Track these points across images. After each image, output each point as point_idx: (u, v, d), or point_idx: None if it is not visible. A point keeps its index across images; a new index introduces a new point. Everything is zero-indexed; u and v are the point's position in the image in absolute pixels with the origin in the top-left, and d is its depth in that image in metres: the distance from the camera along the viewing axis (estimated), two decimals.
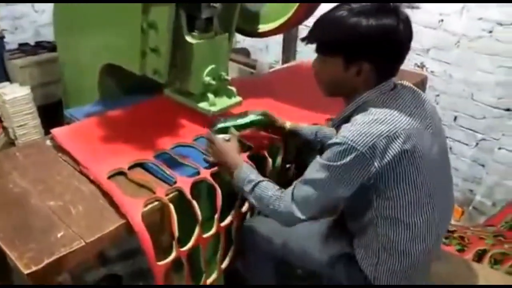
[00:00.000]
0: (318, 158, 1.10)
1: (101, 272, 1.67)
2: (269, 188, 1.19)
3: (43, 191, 1.22)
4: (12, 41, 2.71)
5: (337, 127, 1.17)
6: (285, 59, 2.93)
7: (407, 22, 1.04)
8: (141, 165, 1.33)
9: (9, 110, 2.29)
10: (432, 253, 1.20)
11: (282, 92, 1.93)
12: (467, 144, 2.48)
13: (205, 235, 1.29)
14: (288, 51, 2.94)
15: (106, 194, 1.20)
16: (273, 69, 2.55)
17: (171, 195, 1.22)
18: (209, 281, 1.42)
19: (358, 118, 1.05)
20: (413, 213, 1.09)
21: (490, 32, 2.18)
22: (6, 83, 2.44)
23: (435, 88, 2.48)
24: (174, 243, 1.20)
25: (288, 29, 1.93)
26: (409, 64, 2.53)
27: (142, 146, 1.39)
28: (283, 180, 1.42)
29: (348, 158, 1.01)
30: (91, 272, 1.62)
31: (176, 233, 1.18)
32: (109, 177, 1.25)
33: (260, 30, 1.81)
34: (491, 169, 2.41)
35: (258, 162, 1.42)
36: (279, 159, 1.50)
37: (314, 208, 1.13)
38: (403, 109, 1.06)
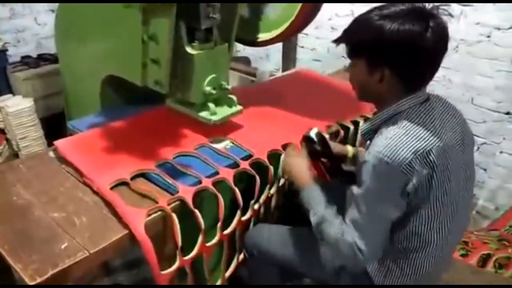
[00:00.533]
0: (354, 189, 1.05)
1: (105, 282, 1.67)
2: (331, 228, 1.10)
3: (47, 202, 1.23)
4: (14, 54, 2.74)
5: (366, 136, 1.15)
6: (285, 67, 2.94)
7: (438, 30, 0.96)
8: (143, 175, 1.34)
9: (12, 122, 2.31)
10: (443, 266, 1.20)
11: (281, 99, 1.94)
12: None
13: (208, 244, 1.29)
14: (288, 59, 2.96)
15: (109, 205, 1.21)
16: (271, 77, 2.56)
17: (173, 205, 1.23)
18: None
19: (391, 131, 1.01)
20: (433, 231, 1.07)
21: (488, 36, 2.19)
22: (9, 96, 2.47)
23: (434, 93, 2.49)
24: (177, 252, 1.20)
25: (287, 38, 1.95)
26: None
27: (144, 156, 1.41)
28: None
29: (386, 176, 0.98)
30: (95, 282, 1.63)
31: (179, 242, 1.19)
32: (112, 188, 1.26)
33: (259, 39, 1.83)
34: (493, 173, 2.41)
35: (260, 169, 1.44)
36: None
37: (375, 242, 1.05)
38: (436, 124, 1.02)
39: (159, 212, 1.20)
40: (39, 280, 0.97)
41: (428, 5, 0.99)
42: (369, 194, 1.02)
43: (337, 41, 1.09)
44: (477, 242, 2.00)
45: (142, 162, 1.38)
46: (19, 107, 2.32)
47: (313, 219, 1.16)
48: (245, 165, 1.41)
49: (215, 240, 1.32)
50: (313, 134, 1.35)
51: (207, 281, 1.40)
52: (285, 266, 1.39)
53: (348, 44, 1.07)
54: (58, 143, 1.47)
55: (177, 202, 1.25)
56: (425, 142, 0.98)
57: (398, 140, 0.97)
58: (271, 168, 1.46)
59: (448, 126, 1.05)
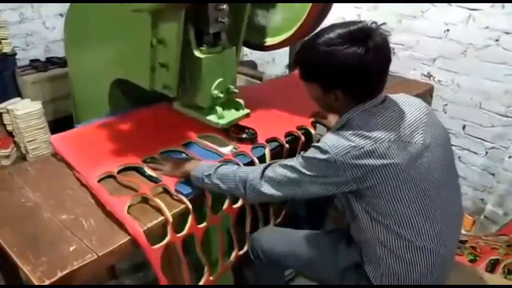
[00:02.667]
0: (302, 153, 1.15)
1: (112, 284, 1.67)
2: (234, 166, 1.27)
3: (55, 205, 1.24)
4: (23, 58, 2.76)
5: None
6: (292, 71, 2.94)
7: (377, 48, 1.04)
8: (130, 169, 1.39)
9: (21, 125, 2.32)
10: (444, 264, 1.18)
11: (281, 99, 1.95)
12: (476, 153, 2.46)
13: (199, 226, 1.30)
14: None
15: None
16: (270, 79, 2.57)
17: (156, 191, 1.29)
18: (212, 278, 1.44)
19: (342, 131, 1.10)
20: (406, 223, 1.09)
21: (497, 40, 2.18)
22: (18, 99, 2.48)
23: (442, 98, 2.48)
24: (169, 228, 1.20)
25: (294, 42, 1.95)
26: (416, 74, 2.54)
27: (132, 151, 1.45)
28: None
29: (323, 162, 1.07)
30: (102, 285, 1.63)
31: (170, 218, 1.19)
32: (100, 180, 1.31)
33: (267, 44, 1.83)
34: (501, 178, 2.39)
35: None
36: None
37: (282, 191, 1.16)
38: (384, 123, 1.08)
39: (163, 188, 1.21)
40: (47, 282, 0.97)
41: (367, 25, 1.07)
42: (303, 165, 1.11)
43: (294, 64, 1.20)
44: (485, 248, 1.98)
45: (130, 157, 1.43)
46: (28, 110, 2.33)
47: (210, 169, 1.25)
48: (229, 157, 1.44)
49: (205, 222, 1.32)
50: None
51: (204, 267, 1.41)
52: (289, 268, 1.41)
53: (300, 70, 1.16)
54: (54, 138, 1.52)
55: (161, 189, 1.29)
56: (368, 140, 1.05)
57: (342, 136, 1.07)
58: None
59: (400, 123, 1.10)
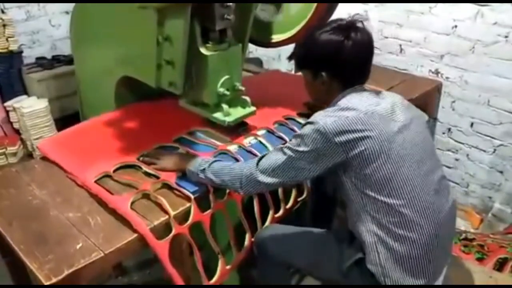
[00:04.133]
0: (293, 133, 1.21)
1: (119, 282, 1.68)
2: (229, 161, 1.33)
3: (62, 202, 1.24)
4: (29, 55, 2.77)
5: None
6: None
7: (357, 39, 1.16)
8: (127, 166, 1.39)
9: (27, 123, 2.33)
10: (440, 238, 1.17)
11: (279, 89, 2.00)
12: (484, 151, 2.44)
13: (205, 213, 1.31)
14: None
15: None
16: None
17: (157, 186, 1.29)
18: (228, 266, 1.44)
19: (328, 109, 1.20)
20: (392, 193, 1.13)
21: (506, 37, 2.15)
22: (24, 97, 2.49)
23: (450, 95, 2.45)
24: (171, 221, 1.21)
25: (300, 39, 1.94)
26: (424, 70, 2.51)
27: (126, 149, 1.46)
28: None
29: (314, 139, 1.12)
30: (109, 282, 1.63)
31: (172, 212, 1.21)
32: (97, 181, 1.30)
33: (273, 40, 1.82)
34: (510, 176, 2.37)
35: None
36: None
37: (279, 176, 1.19)
38: (367, 100, 1.18)
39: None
40: (54, 280, 0.98)
41: (351, 19, 1.21)
42: (294, 144, 1.17)
43: (289, 58, 1.34)
44: (493, 246, 1.96)
45: (125, 155, 1.43)
46: (34, 108, 2.34)
47: (205, 164, 1.28)
48: (223, 147, 1.46)
49: (211, 209, 1.33)
50: None
51: (218, 255, 1.41)
52: (294, 266, 1.41)
53: (294, 59, 1.32)
54: (41, 144, 1.52)
55: (161, 184, 1.30)
56: (352, 111, 1.14)
57: (330, 111, 1.17)
58: None
59: (380, 102, 1.20)
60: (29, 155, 2.45)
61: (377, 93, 1.25)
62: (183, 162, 1.35)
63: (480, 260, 1.89)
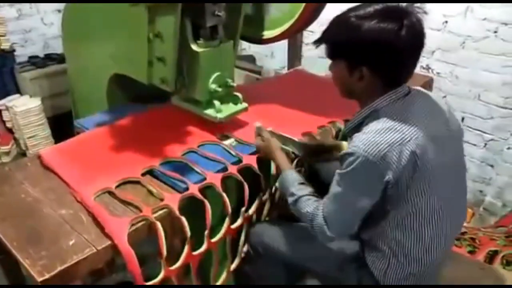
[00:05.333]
0: (337, 171, 1.09)
1: (113, 279, 1.68)
2: (307, 205, 1.17)
3: (54, 200, 1.24)
4: (22, 54, 2.76)
5: (349, 134, 1.17)
6: (291, 65, 2.94)
7: (413, 28, 0.99)
8: (128, 182, 1.32)
9: (20, 121, 2.33)
10: (442, 257, 1.20)
11: (282, 97, 1.94)
12: (475, 145, 2.46)
13: (195, 253, 1.28)
14: (294, 57, 2.95)
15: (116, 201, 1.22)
16: (267, 77, 2.56)
17: (159, 213, 1.21)
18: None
19: (370, 126, 1.05)
20: (426, 221, 1.09)
21: (495, 32, 2.18)
22: (17, 95, 2.49)
23: (441, 90, 2.48)
24: (162, 262, 1.18)
25: (292, 35, 1.95)
26: None
27: (130, 163, 1.38)
28: None
29: (362, 169, 1.01)
30: (103, 280, 1.63)
31: (165, 252, 1.17)
32: (97, 197, 1.23)
33: (265, 37, 1.83)
34: (500, 170, 2.40)
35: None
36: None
37: (343, 223, 1.12)
38: (415, 117, 1.04)
39: (165, 209, 1.21)
40: (47, 276, 0.98)
41: (403, 4, 1.02)
42: (345, 183, 1.07)
43: (317, 42, 1.12)
44: (484, 239, 1.99)
45: (129, 169, 1.35)
46: (27, 106, 2.34)
47: (290, 198, 1.22)
48: (233, 169, 1.38)
49: (203, 247, 1.30)
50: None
51: (211, 275, 1.41)
52: (289, 262, 1.40)
53: (327, 45, 1.11)
54: (43, 152, 1.44)
55: (164, 210, 1.22)
56: (402, 134, 1.00)
57: (375, 134, 1.01)
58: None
59: (430, 117, 1.07)
60: (23, 154, 2.45)
61: (424, 102, 1.11)
62: (279, 163, 1.33)
63: (471, 253, 1.92)
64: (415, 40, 1.02)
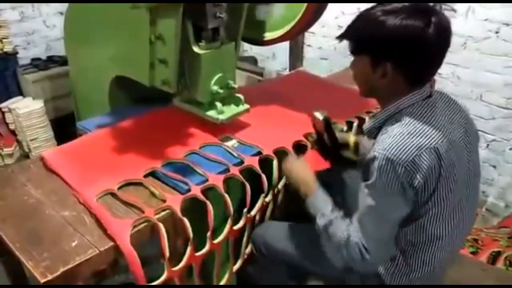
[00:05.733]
0: (362, 186, 1.05)
1: (116, 280, 1.68)
2: (338, 231, 1.11)
3: (57, 201, 1.24)
4: (24, 57, 2.77)
5: (370, 134, 1.15)
6: (292, 66, 2.94)
7: (440, 26, 0.97)
8: (132, 183, 1.32)
9: (23, 123, 2.34)
10: (450, 261, 1.20)
11: (284, 99, 1.94)
12: None
13: (197, 254, 1.28)
14: (295, 58, 2.96)
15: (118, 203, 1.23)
16: (270, 78, 2.56)
17: (161, 214, 1.21)
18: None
19: (395, 129, 1.02)
20: (439, 225, 1.07)
21: (497, 32, 2.18)
22: (20, 98, 2.50)
23: (443, 90, 2.47)
24: (165, 263, 1.18)
25: (293, 37, 1.95)
26: None
27: (132, 165, 1.38)
28: None
29: (393, 175, 0.97)
30: (106, 281, 1.64)
31: (167, 253, 1.17)
32: (99, 198, 1.24)
33: (266, 38, 1.83)
34: (503, 170, 2.39)
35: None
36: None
37: (381, 242, 1.06)
38: (438, 120, 1.03)
39: (168, 210, 1.22)
40: (50, 277, 0.98)
41: (431, 3, 1.01)
42: (376, 194, 1.02)
43: (341, 37, 1.09)
44: (487, 240, 1.99)
45: (131, 171, 1.35)
46: (30, 108, 2.35)
47: (320, 221, 1.16)
48: (235, 170, 1.38)
49: (205, 249, 1.30)
50: (321, 117, 1.38)
51: (213, 276, 1.41)
52: (293, 263, 1.39)
53: (351, 40, 1.08)
54: (46, 154, 1.45)
55: (166, 211, 1.22)
56: (429, 138, 0.98)
57: (402, 138, 0.99)
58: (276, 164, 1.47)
59: (451, 121, 1.06)
60: (25, 156, 2.46)
61: (446, 105, 1.08)
62: (303, 189, 1.25)
63: (474, 253, 1.92)
64: (441, 38, 0.99)
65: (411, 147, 0.97)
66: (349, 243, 1.06)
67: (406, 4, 1.00)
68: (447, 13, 1.01)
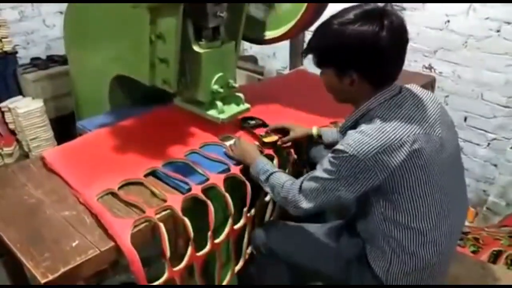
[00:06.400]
0: (329, 156, 1.11)
1: (116, 280, 1.68)
2: (281, 178, 1.26)
3: (57, 201, 1.24)
4: (24, 56, 2.77)
5: (343, 134, 1.18)
6: (293, 65, 2.94)
7: (392, 26, 1.01)
8: (133, 183, 1.32)
9: (23, 123, 2.34)
10: (447, 255, 1.19)
11: (285, 98, 1.94)
12: (478, 144, 2.46)
13: (199, 254, 1.28)
14: (295, 57, 2.95)
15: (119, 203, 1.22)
16: (270, 77, 2.56)
17: (162, 214, 1.20)
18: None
19: (363, 126, 1.06)
20: (422, 218, 1.09)
21: (498, 31, 2.17)
22: (19, 97, 2.49)
23: (444, 89, 2.47)
24: (166, 263, 1.18)
25: (294, 35, 1.94)
26: (417, 66, 2.53)
27: (133, 164, 1.37)
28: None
29: (351, 167, 1.04)
30: (106, 281, 1.63)
31: (168, 253, 1.17)
32: (100, 198, 1.23)
33: (266, 37, 1.83)
34: (503, 169, 2.39)
35: None
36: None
37: (317, 202, 1.16)
38: (408, 115, 1.06)
39: (168, 210, 1.21)
40: (51, 277, 0.98)
41: (381, 4, 1.04)
42: (330, 174, 1.10)
43: (304, 52, 1.16)
44: (488, 239, 1.98)
45: (131, 170, 1.34)
46: (29, 108, 2.35)
47: (263, 175, 1.30)
48: (236, 170, 1.39)
49: (206, 249, 1.30)
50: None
51: (215, 276, 1.41)
52: (293, 263, 1.40)
53: (314, 54, 1.12)
54: (46, 153, 1.44)
55: (167, 211, 1.21)
56: (394, 134, 1.02)
57: (367, 134, 1.03)
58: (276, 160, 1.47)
59: (421, 116, 1.08)
60: (25, 156, 2.45)
61: (416, 99, 1.12)
62: (248, 159, 1.37)
63: (475, 252, 1.91)
64: (396, 38, 1.03)
65: (373, 143, 1.01)
66: (292, 190, 1.20)
67: (357, 11, 1.03)
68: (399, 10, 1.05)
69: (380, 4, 1.05)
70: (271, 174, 1.29)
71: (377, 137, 1.02)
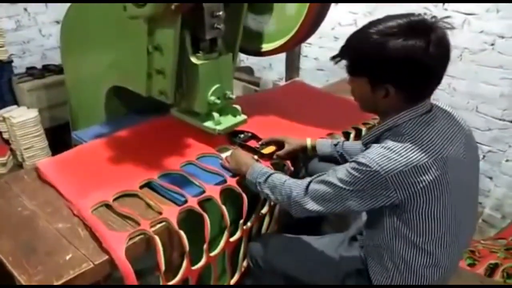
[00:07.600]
0: (347, 166, 1.06)
1: None
2: (282, 177, 1.23)
3: (51, 213, 1.22)
4: (20, 65, 2.76)
5: (367, 146, 1.15)
6: (289, 77, 2.95)
7: (439, 43, 0.96)
8: (128, 195, 1.30)
9: (17, 132, 2.31)
10: (448, 277, 1.18)
11: (281, 109, 1.94)
12: None
13: (194, 268, 1.27)
14: (291, 69, 2.96)
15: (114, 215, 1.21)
16: (267, 88, 2.56)
17: (157, 226, 1.19)
18: None
19: (389, 141, 1.02)
20: (436, 241, 1.07)
21: (492, 44, 2.19)
22: (14, 106, 2.47)
23: (439, 102, 2.48)
24: (161, 276, 1.16)
25: (290, 48, 1.95)
26: None
27: (128, 176, 1.36)
28: None
29: (369, 182, 1.00)
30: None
31: (163, 266, 1.15)
32: (94, 210, 1.22)
33: (263, 49, 1.83)
34: (499, 181, 2.40)
35: None
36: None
37: (324, 207, 1.12)
38: (436, 136, 1.02)
39: (164, 223, 1.20)
40: None
41: (428, 18, 0.99)
42: (345, 185, 1.05)
43: (336, 58, 1.08)
44: (484, 251, 1.98)
45: (127, 182, 1.33)
46: (24, 117, 2.33)
47: (262, 177, 1.27)
48: (232, 181, 1.37)
49: (202, 262, 1.29)
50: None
51: None
52: (290, 276, 1.38)
53: (349, 61, 1.07)
54: (41, 163, 1.42)
55: (163, 224, 1.20)
56: (420, 154, 0.98)
57: (392, 150, 0.99)
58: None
59: (450, 138, 1.04)
60: (19, 166, 2.42)
61: (446, 119, 1.07)
62: (243, 168, 1.34)
63: (471, 265, 1.90)
64: (443, 55, 0.99)
65: (398, 161, 0.97)
66: (295, 189, 1.17)
67: (402, 22, 0.97)
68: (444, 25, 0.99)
69: (428, 17, 0.99)
70: (271, 174, 1.26)
71: (404, 155, 0.98)
